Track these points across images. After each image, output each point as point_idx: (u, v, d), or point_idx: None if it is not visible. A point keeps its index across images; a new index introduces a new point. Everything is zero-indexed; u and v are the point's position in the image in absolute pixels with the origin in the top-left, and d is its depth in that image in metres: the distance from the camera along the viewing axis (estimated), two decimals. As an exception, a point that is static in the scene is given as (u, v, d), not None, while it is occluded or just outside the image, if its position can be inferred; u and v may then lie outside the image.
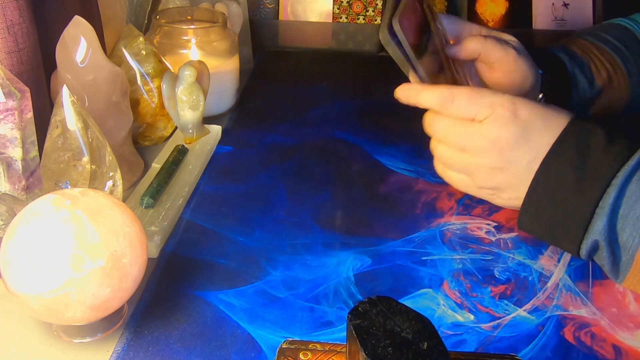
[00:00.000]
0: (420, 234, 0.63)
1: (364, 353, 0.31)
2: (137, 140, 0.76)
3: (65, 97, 0.52)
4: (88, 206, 0.44)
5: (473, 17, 1.13)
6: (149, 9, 0.99)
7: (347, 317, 0.34)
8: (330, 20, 1.14)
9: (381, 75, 1.05)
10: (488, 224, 0.65)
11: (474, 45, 0.61)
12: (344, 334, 0.40)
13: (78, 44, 0.60)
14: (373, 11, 1.13)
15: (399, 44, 0.53)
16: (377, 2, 1.13)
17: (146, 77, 0.73)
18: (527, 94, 0.64)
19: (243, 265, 0.57)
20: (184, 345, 0.48)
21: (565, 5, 1.12)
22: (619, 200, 0.49)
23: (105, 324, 0.49)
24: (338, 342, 0.42)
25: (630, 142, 0.50)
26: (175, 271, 0.57)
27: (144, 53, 0.73)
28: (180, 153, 0.71)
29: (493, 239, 0.63)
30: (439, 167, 0.61)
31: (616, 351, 0.50)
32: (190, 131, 0.75)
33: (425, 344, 0.32)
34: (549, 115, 0.53)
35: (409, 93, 0.57)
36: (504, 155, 0.53)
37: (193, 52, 0.83)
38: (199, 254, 0.59)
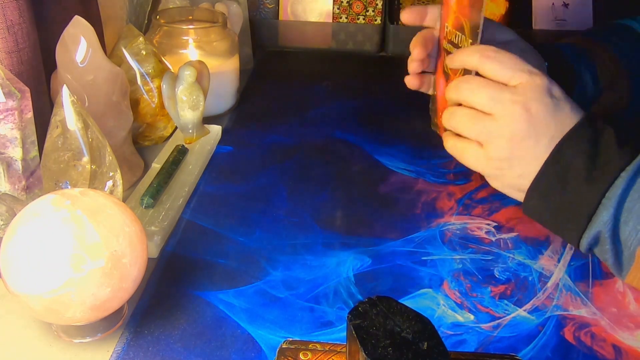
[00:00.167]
0: (420, 234, 0.63)
1: (364, 353, 0.32)
2: (137, 140, 0.76)
3: (65, 97, 0.52)
4: (88, 206, 0.44)
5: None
6: (149, 9, 0.99)
7: (347, 317, 0.34)
8: (330, 20, 1.14)
9: (381, 75, 1.05)
10: (488, 224, 0.65)
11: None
12: (344, 334, 0.40)
13: (78, 44, 0.60)
14: (373, 11, 1.13)
15: None
16: (377, 2, 1.13)
17: (146, 77, 0.73)
18: None
19: (243, 265, 0.57)
20: (184, 345, 0.48)
21: (565, 5, 1.12)
22: (626, 193, 0.49)
23: (105, 324, 0.49)
24: (338, 342, 0.42)
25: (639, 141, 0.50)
26: (175, 271, 0.57)
27: (144, 53, 0.73)
28: (180, 153, 0.71)
29: (493, 239, 0.63)
30: (450, 142, 0.57)
31: (616, 351, 0.50)
32: (190, 131, 0.75)
33: (425, 344, 0.32)
34: (574, 103, 0.53)
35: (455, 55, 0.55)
36: (530, 125, 0.50)
37: (193, 52, 0.83)
38: (199, 254, 0.59)
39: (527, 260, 0.59)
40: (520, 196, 0.54)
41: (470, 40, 0.53)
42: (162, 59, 0.76)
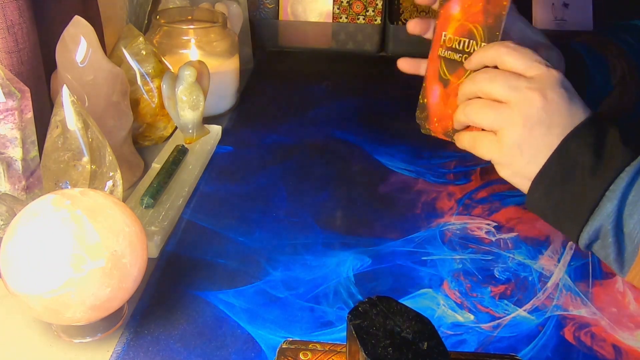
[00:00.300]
0: (420, 234, 0.63)
1: (364, 353, 0.31)
2: (137, 140, 0.76)
3: (65, 97, 0.52)
4: (88, 206, 0.44)
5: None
6: (149, 9, 0.99)
7: (347, 317, 0.34)
8: (330, 20, 1.14)
9: (381, 75, 1.05)
10: (488, 224, 0.65)
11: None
12: (344, 334, 0.40)
13: (78, 44, 0.60)
14: (373, 11, 1.13)
15: None
16: (377, 2, 1.13)
17: (146, 77, 0.73)
18: None
19: (243, 265, 0.57)
20: (184, 345, 0.48)
21: (565, 5, 1.12)
22: (630, 187, 0.49)
23: (105, 324, 0.49)
24: (338, 342, 0.42)
25: None
26: (175, 271, 0.57)
27: (144, 53, 0.73)
28: (180, 153, 0.71)
29: (493, 239, 0.63)
30: (462, 136, 0.58)
31: (616, 351, 0.50)
32: (190, 131, 0.75)
33: (425, 344, 0.32)
34: (584, 102, 0.54)
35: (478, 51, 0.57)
36: (544, 111, 0.52)
37: (193, 52, 0.83)
38: (199, 254, 0.59)
39: (527, 260, 0.59)
40: (526, 185, 0.54)
41: (484, 44, 0.56)
42: (162, 59, 0.76)
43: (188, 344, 0.48)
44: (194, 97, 0.73)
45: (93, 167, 0.54)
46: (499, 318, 0.53)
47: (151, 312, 0.51)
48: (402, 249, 0.61)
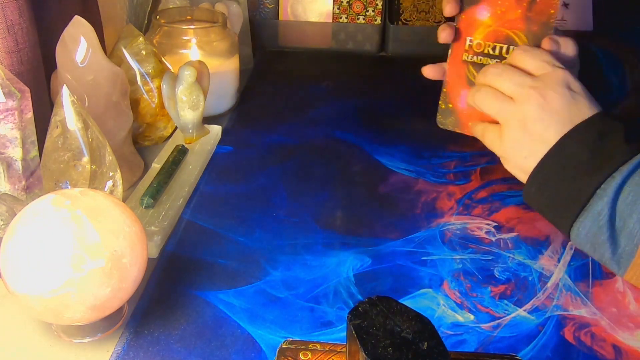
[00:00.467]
0: (420, 234, 0.63)
1: (364, 353, 0.31)
2: (137, 140, 0.76)
3: (65, 97, 0.52)
4: (88, 206, 0.44)
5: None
6: (149, 9, 0.99)
7: (347, 317, 0.34)
8: (330, 20, 1.14)
9: (381, 75, 1.05)
10: (488, 224, 0.65)
11: None
12: (344, 334, 0.40)
13: (78, 44, 0.60)
14: (373, 11, 1.13)
15: None
16: (377, 2, 1.13)
17: (146, 77, 0.73)
18: None
19: (243, 265, 0.57)
20: (184, 345, 0.48)
21: (565, 5, 1.12)
22: (623, 186, 0.49)
23: (105, 324, 0.49)
24: (338, 342, 0.42)
25: None
26: (175, 271, 0.57)
27: (144, 53, 0.73)
28: (180, 153, 0.71)
29: (493, 239, 0.63)
30: (479, 127, 0.60)
31: (616, 351, 0.50)
32: (190, 131, 0.75)
33: (425, 344, 0.32)
34: (593, 100, 0.55)
35: None
36: (543, 110, 0.54)
37: (193, 52, 0.83)
38: (199, 254, 0.59)
39: (527, 260, 0.59)
40: (525, 179, 0.55)
41: None
42: (162, 59, 0.76)
43: (188, 344, 0.48)
44: (194, 97, 0.73)
45: (93, 167, 0.54)
46: (499, 318, 0.53)
47: (151, 312, 0.51)
48: (402, 249, 0.61)
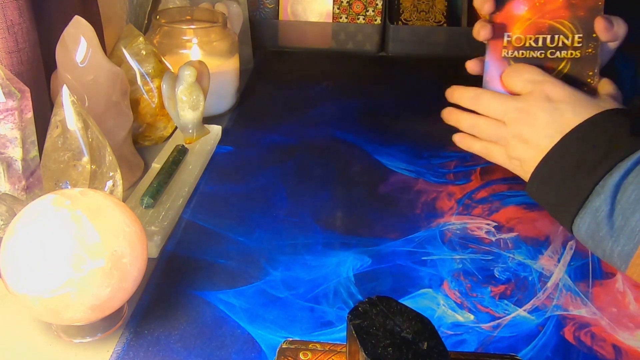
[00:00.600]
0: (420, 234, 0.63)
1: (364, 353, 0.31)
2: (137, 140, 0.76)
3: (65, 97, 0.52)
4: (88, 206, 0.44)
5: (474, 16, 1.12)
6: (149, 9, 0.99)
7: (347, 317, 0.34)
8: (330, 20, 1.14)
9: (381, 75, 1.05)
10: (488, 224, 0.65)
11: None
12: (344, 334, 0.40)
13: (78, 44, 0.60)
14: (373, 11, 1.13)
15: None
16: (377, 2, 1.13)
17: (146, 77, 0.73)
18: None
19: (243, 265, 0.57)
20: (184, 345, 0.48)
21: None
22: (622, 182, 0.49)
23: (105, 324, 0.49)
24: (338, 342, 0.42)
25: None
26: (175, 271, 0.57)
27: (144, 53, 0.73)
28: (180, 153, 0.71)
29: (493, 239, 0.63)
30: (478, 145, 0.63)
31: (616, 351, 0.50)
32: (190, 131, 0.75)
33: (425, 344, 0.32)
34: (580, 101, 0.56)
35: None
36: (531, 126, 0.56)
37: (193, 52, 0.83)
38: (199, 254, 0.59)
39: (527, 260, 0.59)
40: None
41: (579, 35, 0.58)
42: (162, 59, 0.76)
43: (188, 344, 0.48)
44: (194, 97, 0.73)
45: (93, 167, 0.54)
46: (499, 318, 0.53)
47: (151, 312, 0.51)
48: (402, 249, 0.61)
